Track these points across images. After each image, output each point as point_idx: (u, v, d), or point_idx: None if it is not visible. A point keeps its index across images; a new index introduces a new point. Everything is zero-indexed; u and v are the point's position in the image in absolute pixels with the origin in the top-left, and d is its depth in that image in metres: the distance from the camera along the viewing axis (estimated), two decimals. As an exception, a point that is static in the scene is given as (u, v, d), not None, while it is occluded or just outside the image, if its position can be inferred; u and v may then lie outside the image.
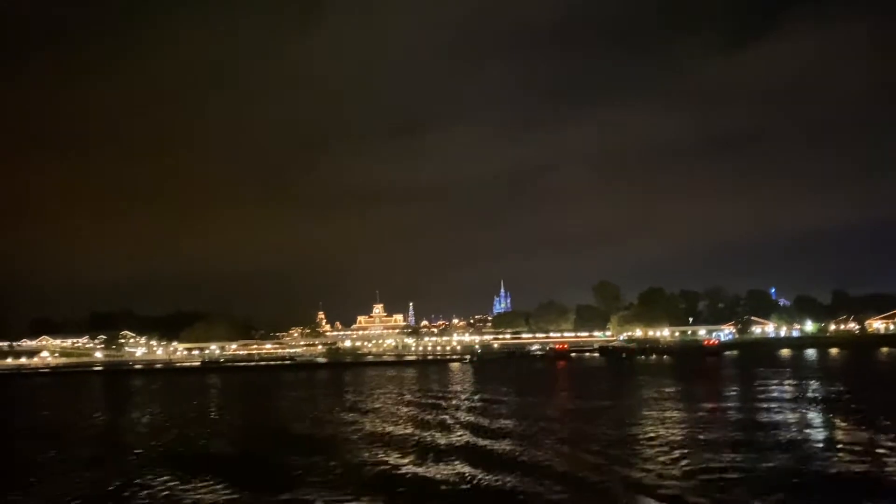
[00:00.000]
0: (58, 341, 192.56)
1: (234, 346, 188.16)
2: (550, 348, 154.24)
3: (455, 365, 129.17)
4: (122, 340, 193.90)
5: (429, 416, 47.73)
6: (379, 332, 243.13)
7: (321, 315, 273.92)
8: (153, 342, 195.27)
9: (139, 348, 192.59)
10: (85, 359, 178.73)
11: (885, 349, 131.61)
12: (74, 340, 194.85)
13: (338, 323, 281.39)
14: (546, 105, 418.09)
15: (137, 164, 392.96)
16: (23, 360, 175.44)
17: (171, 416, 57.75)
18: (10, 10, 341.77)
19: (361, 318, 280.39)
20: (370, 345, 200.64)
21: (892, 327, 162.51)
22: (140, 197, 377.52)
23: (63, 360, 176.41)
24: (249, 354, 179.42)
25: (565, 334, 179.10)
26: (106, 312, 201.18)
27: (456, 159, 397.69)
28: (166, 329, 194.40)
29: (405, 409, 53.31)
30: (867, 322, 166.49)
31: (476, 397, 61.93)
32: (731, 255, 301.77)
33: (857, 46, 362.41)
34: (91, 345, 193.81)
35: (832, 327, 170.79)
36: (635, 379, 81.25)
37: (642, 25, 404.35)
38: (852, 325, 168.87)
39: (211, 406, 67.17)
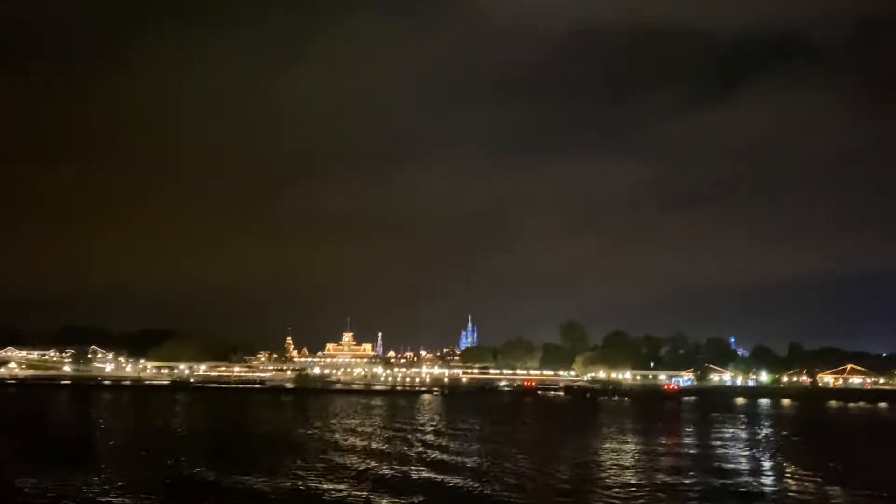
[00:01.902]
0: (24, 353, 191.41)
1: (203, 366, 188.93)
2: (518, 385, 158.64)
3: (426, 396, 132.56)
4: (91, 356, 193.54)
5: (394, 448, 48.48)
6: (348, 360, 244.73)
7: (290, 340, 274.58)
8: (121, 359, 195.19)
9: (108, 364, 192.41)
10: (52, 372, 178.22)
11: (833, 403, 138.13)
12: (42, 353, 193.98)
13: (305, 349, 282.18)
14: (520, 149, 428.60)
15: (114, 181, 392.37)
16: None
17: (136, 432, 60.30)
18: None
19: (330, 346, 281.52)
20: (339, 373, 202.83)
21: (841, 382, 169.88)
22: (116, 213, 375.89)
23: (30, 372, 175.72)
24: (219, 376, 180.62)
25: (531, 372, 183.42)
26: (76, 326, 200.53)
27: (429, 194, 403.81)
28: (136, 346, 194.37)
29: (371, 440, 54.10)
30: (819, 375, 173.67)
31: (446, 429, 64.95)
32: (694, 303, 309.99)
33: (819, 112, 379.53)
34: (58, 358, 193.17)
35: (785, 379, 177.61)
36: (597, 417, 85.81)
37: (614, 81, 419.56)
38: (805, 378, 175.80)
39: (176, 425, 68.68)
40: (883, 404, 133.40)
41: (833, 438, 67.98)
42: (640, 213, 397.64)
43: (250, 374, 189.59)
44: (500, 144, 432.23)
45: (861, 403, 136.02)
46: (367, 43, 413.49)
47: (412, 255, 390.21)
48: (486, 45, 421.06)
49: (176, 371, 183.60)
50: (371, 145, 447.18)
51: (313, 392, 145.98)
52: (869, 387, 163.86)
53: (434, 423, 71.03)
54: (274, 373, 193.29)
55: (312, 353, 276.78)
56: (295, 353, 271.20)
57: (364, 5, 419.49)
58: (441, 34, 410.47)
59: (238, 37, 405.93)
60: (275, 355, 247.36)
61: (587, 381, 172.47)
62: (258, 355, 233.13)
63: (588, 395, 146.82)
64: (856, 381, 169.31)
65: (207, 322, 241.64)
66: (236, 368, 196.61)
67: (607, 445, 53.87)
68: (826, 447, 57.40)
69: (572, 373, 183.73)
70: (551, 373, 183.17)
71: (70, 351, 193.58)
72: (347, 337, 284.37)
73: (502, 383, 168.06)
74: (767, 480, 39.27)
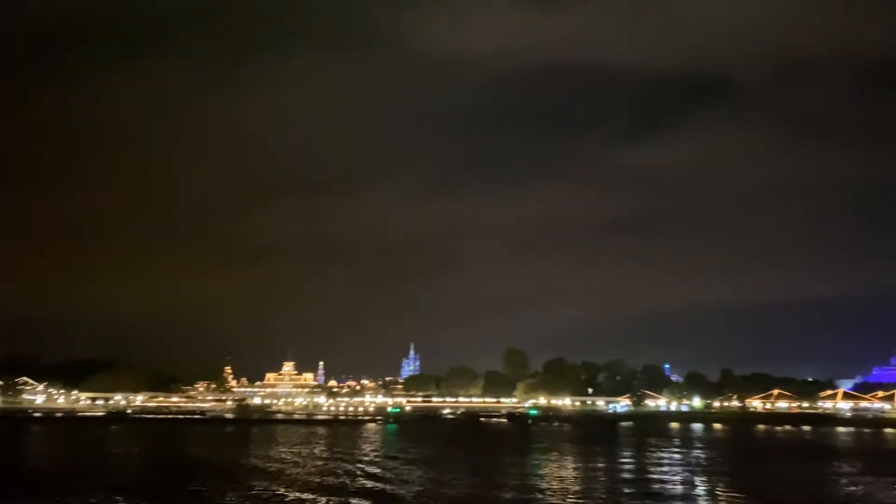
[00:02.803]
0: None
1: (139, 397, 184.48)
2: (462, 412, 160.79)
3: (371, 426, 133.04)
4: (21, 387, 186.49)
5: (335, 479, 48.80)
6: (288, 390, 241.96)
7: (228, 370, 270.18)
8: (53, 390, 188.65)
9: (39, 395, 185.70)
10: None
11: (761, 426, 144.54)
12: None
13: (244, 379, 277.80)
14: (461, 178, 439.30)
15: (45, 206, 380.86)
16: None
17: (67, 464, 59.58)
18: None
19: (271, 375, 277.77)
20: (280, 403, 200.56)
21: (768, 406, 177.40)
22: (47, 239, 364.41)
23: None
24: (158, 407, 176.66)
25: (474, 399, 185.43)
26: (5, 356, 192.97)
27: (370, 222, 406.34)
28: (69, 376, 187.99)
29: (312, 470, 54.29)
30: (747, 401, 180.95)
31: (388, 457, 66.18)
32: (631, 329, 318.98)
33: (743, 148, 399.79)
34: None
35: (717, 404, 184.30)
36: (538, 443, 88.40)
37: (550, 117, 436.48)
38: (735, 403, 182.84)
39: (109, 457, 68.07)
40: (806, 427, 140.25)
41: (760, 460, 72.03)
42: (578, 242, 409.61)
43: (190, 404, 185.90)
44: (442, 174, 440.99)
45: (787, 427, 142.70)
46: (310, 74, 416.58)
47: (353, 284, 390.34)
48: (428, 79, 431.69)
49: (111, 402, 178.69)
50: (313, 173, 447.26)
51: (254, 422, 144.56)
52: (794, 411, 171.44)
53: (377, 452, 72.21)
54: (214, 403, 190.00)
55: (252, 382, 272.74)
56: (234, 382, 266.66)
57: (308, 38, 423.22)
58: (382, 66, 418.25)
59: (176, 64, 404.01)
60: (213, 385, 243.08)
61: (528, 407, 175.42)
62: (196, 385, 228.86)
63: (529, 421, 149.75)
64: (782, 405, 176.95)
65: (143, 351, 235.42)
66: (174, 399, 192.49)
67: (547, 469, 56.36)
68: (753, 468, 61.11)
69: (514, 399, 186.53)
70: (493, 400, 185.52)
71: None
72: (288, 366, 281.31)
73: (446, 411, 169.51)
74: (699, 500, 42.34)
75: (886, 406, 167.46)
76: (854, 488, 47.22)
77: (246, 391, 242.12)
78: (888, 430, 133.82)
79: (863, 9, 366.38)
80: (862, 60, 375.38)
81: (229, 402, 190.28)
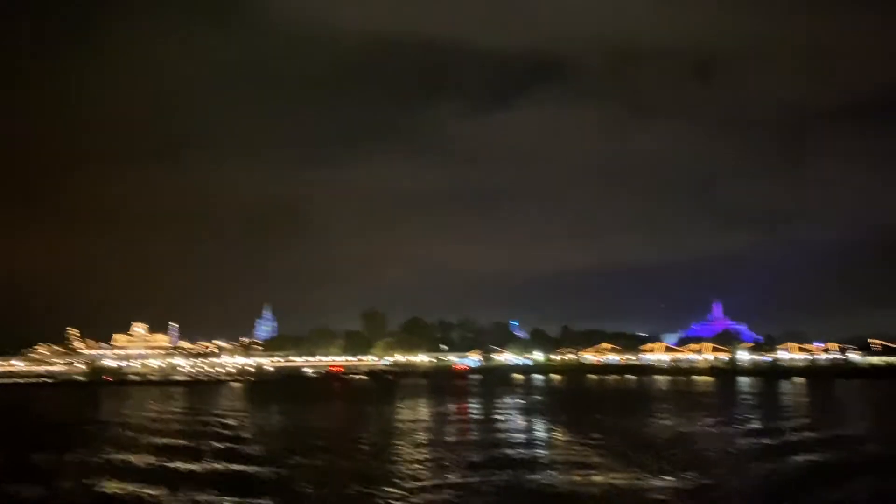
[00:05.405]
0: None
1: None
2: (326, 371, 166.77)
3: (235, 385, 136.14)
4: None
5: (192, 440, 48.04)
6: (141, 351, 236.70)
7: (74, 332, 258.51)
8: None
9: None
10: None
11: (592, 376, 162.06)
12: None
13: (89, 340, 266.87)
14: (316, 142, 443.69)
15: None
16: None
17: None
18: None
19: (120, 337, 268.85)
20: (136, 364, 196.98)
21: (600, 359, 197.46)
22: None
23: None
24: (1, 372, 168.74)
25: (335, 358, 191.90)
26: None
27: (222, 187, 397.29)
28: None
29: (166, 433, 53.13)
30: (582, 353, 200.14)
31: (251, 416, 69.15)
32: (482, 290, 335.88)
33: (584, 125, 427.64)
34: None
35: (557, 357, 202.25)
36: (398, 396, 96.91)
37: (405, 89, 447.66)
38: (572, 356, 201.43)
39: None
40: (631, 377, 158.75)
41: (588, 404, 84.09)
42: (431, 208, 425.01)
43: (37, 368, 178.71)
44: (297, 139, 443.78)
45: (615, 376, 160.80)
46: (162, 37, 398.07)
47: (204, 247, 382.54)
48: (285, 46, 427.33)
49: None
50: (163, 137, 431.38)
51: (108, 384, 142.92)
52: (623, 362, 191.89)
53: (240, 412, 74.70)
54: (64, 367, 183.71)
55: (97, 344, 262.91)
56: (81, 344, 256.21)
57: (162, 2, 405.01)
58: (238, 31, 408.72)
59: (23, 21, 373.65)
60: (57, 348, 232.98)
61: (387, 364, 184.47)
62: (36, 348, 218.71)
63: (390, 377, 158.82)
64: (613, 357, 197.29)
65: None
66: (14, 362, 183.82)
67: (404, 415, 64.72)
68: (582, 411, 72.17)
69: (373, 358, 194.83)
70: (354, 359, 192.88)
71: None
72: (139, 328, 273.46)
73: (309, 370, 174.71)
74: (535, 435, 51.83)
75: (697, 357, 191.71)
76: (665, 424, 57.99)
77: (95, 353, 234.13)
78: (697, 377, 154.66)
79: (689, 8, 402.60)
80: (686, 53, 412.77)
81: (80, 365, 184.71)
